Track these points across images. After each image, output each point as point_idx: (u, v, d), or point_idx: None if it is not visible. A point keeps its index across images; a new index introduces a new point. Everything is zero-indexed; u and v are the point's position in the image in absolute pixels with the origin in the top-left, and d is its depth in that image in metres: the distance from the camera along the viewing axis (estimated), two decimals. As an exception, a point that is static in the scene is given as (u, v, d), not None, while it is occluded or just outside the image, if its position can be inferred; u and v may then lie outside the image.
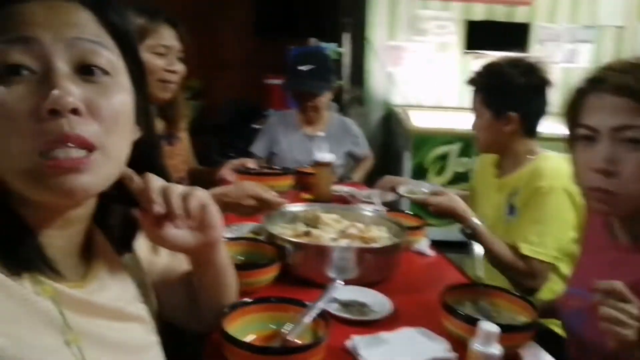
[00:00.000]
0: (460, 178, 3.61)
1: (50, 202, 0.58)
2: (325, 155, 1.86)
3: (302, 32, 4.68)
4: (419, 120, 3.82)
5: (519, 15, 4.24)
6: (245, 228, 1.48)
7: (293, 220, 1.45)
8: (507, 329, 0.95)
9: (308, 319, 0.92)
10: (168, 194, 0.70)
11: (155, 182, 0.70)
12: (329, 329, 0.90)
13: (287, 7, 5.42)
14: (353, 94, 4.10)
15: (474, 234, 1.52)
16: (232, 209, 1.42)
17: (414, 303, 1.18)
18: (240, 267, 1.10)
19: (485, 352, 0.84)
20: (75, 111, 0.54)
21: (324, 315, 0.94)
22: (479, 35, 4.20)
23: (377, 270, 1.25)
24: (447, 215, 1.57)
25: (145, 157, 0.70)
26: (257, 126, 3.30)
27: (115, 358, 0.64)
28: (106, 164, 0.59)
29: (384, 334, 1.01)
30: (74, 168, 0.55)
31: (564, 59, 4.32)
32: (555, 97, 4.38)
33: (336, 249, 1.22)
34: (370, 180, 2.51)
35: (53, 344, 0.56)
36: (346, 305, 1.11)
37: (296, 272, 1.22)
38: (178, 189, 0.72)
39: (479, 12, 4.22)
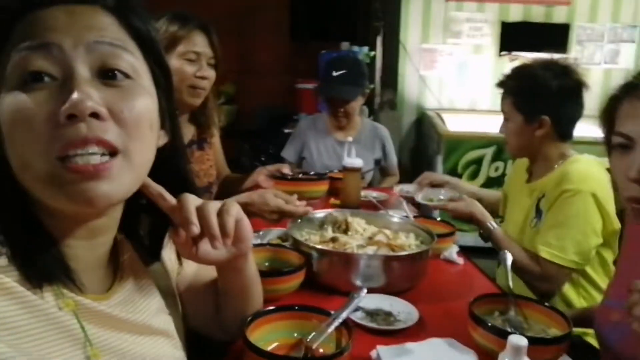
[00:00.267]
0: (493, 183, 3.54)
1: (71, 210, 0.58)
2: (354, 160, 1.84)
3: (335, 36, 4.69)
4: (452, 123, 3.77)
5: (558, 15, 4.13)
6: (271, 234, 1.48)
7: (321, 226, 1.44)
8: (538, 342, 0.92)
9: (332, 328, 0.91)
10: (205, 214, 0.68)
11: (191, 202, 0.68)
12: (353, 338, 0.89)
13: (321, 11, 5.44)
14: (385, 97, 4.08)
15: (489, 237, 1.58)
16: (257, 216, 1.44)
17: (442, 312, 1.16)
18: (265, 274, 1.10)
19: (514, 367, 0.81)
20: (95, 115, 0.54)
21: (348, 324, 0.92)
22: (514, 36, 4.11)
23: (404, 279, 1.23)
24: (466, 219, 1.63)
25: (170, 163, 0.69)
26: (288, 131, 3.31)
27: None
28: (128, 170, 0.58)
29: (410, 345, 0.99)
30: (94, 174, 0.54)
31: (605, 60, 4.18)
32: (595, 100, 4.25)
33: (362, 257, 1.20)
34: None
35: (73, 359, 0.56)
36: (371, 314, 1.10)
37: (321, 280, 1.21)
38: (213, 207, 0.70)
39: (515, 13, 4.13)
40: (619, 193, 1.07)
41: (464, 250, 1.55)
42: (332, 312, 0.96)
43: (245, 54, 5.39)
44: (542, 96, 1.59)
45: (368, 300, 1.11)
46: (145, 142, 0.60)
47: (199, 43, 1.64)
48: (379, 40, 4.11)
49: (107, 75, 0.57)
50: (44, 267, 0.56)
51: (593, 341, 1.48)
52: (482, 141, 3.56)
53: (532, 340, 0.83)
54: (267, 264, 1.25)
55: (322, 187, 1.90)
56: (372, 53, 4.22)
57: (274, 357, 0.84)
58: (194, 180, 0.77)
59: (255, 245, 1.33)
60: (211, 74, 1.68)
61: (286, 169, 1.85)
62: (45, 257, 0.57)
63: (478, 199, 2.02)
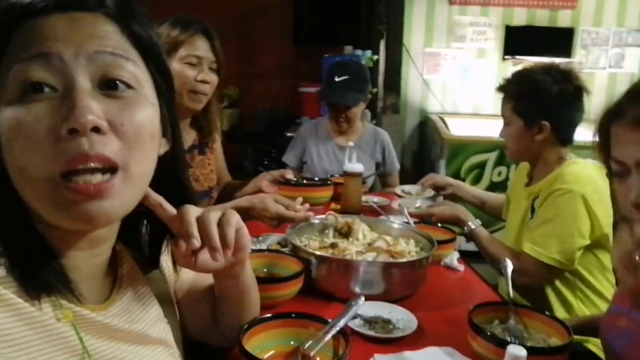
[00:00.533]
0: (496, 187, 3.52)
1: (72, 227, 0.57)
2: (354, 165, 1.84)
3: (339, 40, 4.69)
4: (455, 128, 3.75)
5: (562, 19, 4.11)
6: (271, 239, 1.47)
7: (321, 231, 1.43)
8: (538, 352, 0.91)
9: (329, 336, 0.91)
10: (205, 226, 0.68)
11: (192, 214, 0.67)
12: (351, 346, 0.88)
13: (325, 15, 5.44)
14: (388, 101, 4.07)
15: (471, 235, 1.65)
16: (257, 220, 1.43)
17: (441, 320, 1.14)
18: (263, 281, 1.09)
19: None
20: (96, 129, 0.53)
21: (345, 332, 0.92)
22: (519, 40, 4.10)
23: (403, 286, 1.22)
24: (451, 221, 1.69)
25: (170, 171, 0.69)
26: (291, 134, 3.31)
27: None
28: (129, 186, 0.57)
29: (408, 353, 0.98)
30: (95, 194, 0.53)
31: (610, 64, 4.16)
32: (600, 104, 4.22)
33: (361, 264, 1.19)
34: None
35: None
36: (370, 321, 1.08)
37: (320, 286, 1.21)
38: (213, 218, 0.69)
39: (520, 17, 4.12)
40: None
41: (465, 255, 1.54)
42: (330, 319, 0.95)
43: (248, 57, 5.41)
44: (542, 101, 1.59)
45: (367, 308, 1.10)
46: (146, 154, 0.59)
47: (201, 47, 1.63)
48: (382, 44, 4.11)
49: (108, 85, 0.56)
50: (42, 278, 0.56)
51: (594, 348, 1.47)
52: (485, 145, 3.55)
53: (532, 350, 0.82)
54: (265, 269, 1.24)
55: (326, 192, 1.90)
56: (376, 57, 4.21)
57: (270, 366, 0.84)
58: (192, 188, 0.76)
59: (254, 251, 1.32)
60: (213, 78, 1.67)
61: (290, 175, 1.85)
62: (43, 268, 0.56)
63: (482, 202, 2.02)
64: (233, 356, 0.92)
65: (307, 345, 0.89)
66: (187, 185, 0.74)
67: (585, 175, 1.55)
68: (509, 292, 1.16)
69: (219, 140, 1.94)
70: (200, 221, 0.68)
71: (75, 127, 0.51)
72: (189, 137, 1.79)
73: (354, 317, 1.06)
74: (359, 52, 4.29)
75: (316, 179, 2.07)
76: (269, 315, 0.95)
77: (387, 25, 4.06)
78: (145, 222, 0.73)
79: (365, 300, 1.09)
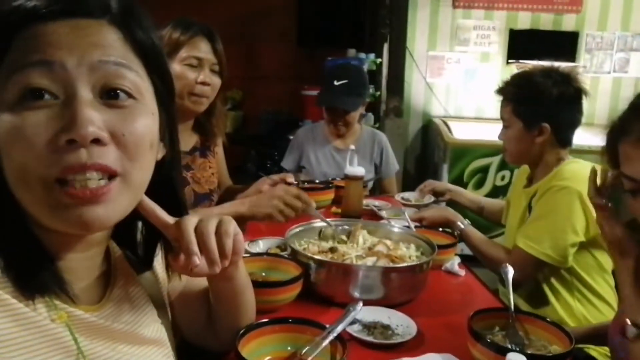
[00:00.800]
0: (499, 191, 3.50)
1: (66, 231, 0.57)
2: (356, 169, 1.83)
3: (342, 43, 4.68)
4: (458, 131, 3.74)
5: (567, 23, 4.10)
6: (270, 243, 1.46)
7: (321, 235, 1.42)
8: (538, 360, 0.90)
9: (326, 342, 0.90)
10: (204, 238, 0.67)
11: (191, 229, 0.67)
12: (349, 352, 0.87)
13: (328, 17, 5.44)
14: (391, 104, 4.06)
15: (460, 235, 1.67)
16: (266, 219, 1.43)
17: (441, 326, 1.13)
18: (261, 285, 1.09)
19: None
20: (97, 141, 0.53)
21: (343, 338, 0.91)
22: (523, 44, 4.08)
23: (403, 291, 1.21)
24: (442, 224, 1.70)
25: (165, 176, 0.68)
26: (292, 137, 3.30)
27: None
28: (125, 193, 0.57)
29: (407, 360, 0.97)
30: (91, 199, 0.53)
31: (615, 69, 4.14)
32: (604, 108, 4.22)
33: (361, 268, 1.18)
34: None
35: None
36: (369, 327, 1.07)
37: (319, 291, 1.20)
38: (211, 228, 0.69)
39: (524, 21, 4.10)
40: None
41: (467, 259, 1.53)
42: (328, 325, 0.94)
43: (251, 60, 5.41)
44: (542, 103, 1.59)
45: (366, 313, 1.09)
46: (145, 162, 0.59)
47: (201, 49, 1.62)
48: (386, 47, 4.10)
49: (109, 94, 0.56)
50: (37, 280, 0.56)
51: (595, 353, 1.46)
52: (489, 149, 3.53)
53: (532, 358, 0.81)
54: (264, 273, 1.24)
55: (327, 196, 1.89)
56: (379, 60, 4.21)
57: (266, 372, 0.83)
58: (184, 194, 0.75)
59: (253, 255, 1.31)
60: (214, 80, 1.66)
61: (290, 178, 1.84)
62: (38, 270, 0.56)
63: (480, 207, 2.02)
64: (230, 359, 0.91)
65: (304, 351, 0.88)
66: (181, 191, 0.74)
67: (582, 173, 1.54)
68: (509, 297, 1.14)
69: (221, 145, 1.93)
70: (199, 234, 0.67)
71: (75, 139, 0.52)
72: (191, 139, 1.78)
73: (353, 322, 1.05)
74: (362, 55, 4.28)
75: (317, 181, 2.06)
76: (265, 320, 0.94)
77: (391, 28, 4.05)
78: (139, 223, 0.73)
79: (365, 305, 1.09)
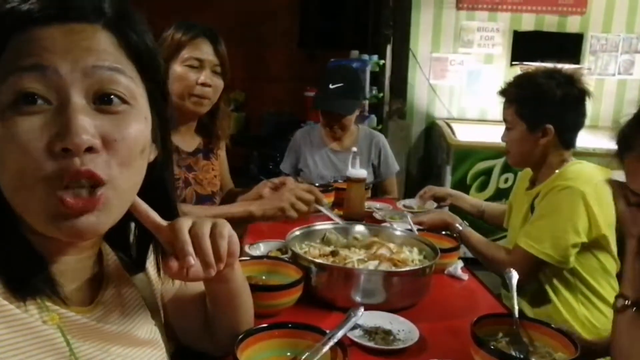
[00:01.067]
0: (503, 194, 3.48)
1: (60, 239, 0.57)
2: (358, 171, 1.81)
3: (345, 44, 4.67)
4: (462, 133, 3.72)
5: (571, 25, 4.08)
6: (270, 246, 1.45)
7: (322, 239, 1.41)
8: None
9: (326, 347, 0.88)
10: (199, 241, 0.66)
11: (186, 230, 0.66)
12: (349, 358, 0.86)
13: (331, 19, 5.44)
14: (394, 106, 4.04)
15: (459, 236, 1.65)
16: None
17: (444, 331, 1.11)
18: (261, 289, 1.07)
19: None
20: (89, 149, 0.53)
21: (343, 344, 0.89)
22: (527, 46, 4.07)
23: (405, 296, 1.19)
24: (441, 227, 1.70)
25: (157, 177, 0.68)
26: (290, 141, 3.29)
27: None
28: (116, 199, 0.57)
29: (408, 366, 0.95)
30: (84, 209, 0.54)
31: (620, 71, 4.12)
32: (608, 111, 4.19)
33: (362, 273, 1.17)
34: (409, 196, 2.44)
35: None
36: (370, 332, 1.06)
37: (320, 295, 1.18)
38: (206, 230, 0.68)
39: (528, 22, 4.08)
40: None
41: (469, 262, 1.52)
42: (328, 330, 0.92)
43: (254, 61, 5.41)
44: (546, 104, 1.59)
45: (367, 318, 1.07)
46: (136, 168, 0.59)
47: (203, 50, 1.62)
48: (389, 49, 4.09)
49: (102, 100, 0.55)
50: (28, 281, 0.56)
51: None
52: (492, 152, 3.51)
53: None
54: (264, 277, 1.22)
55: (328, 199, 1.87)
56: (382, 62, 4.19)
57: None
58: (176, 196, 0.74)
59: (253, 258, 1.30)
60: (216, 82, 1.65)
61: (291, 182, 1.82)
62: (30, 271, 0.56)
63: (481, 212, 2.01)
64: (228, 364, 0.90)
65: (304, 357, 0.87)
66: (172, 193, 0.73)
67: (586, 174, 1.56)
68: (513, 303, 1.13)
69: (224, 148, 1.92)
70: (194, 236, 0.66)
71: (69, 147, 0.51)
72: (194, 141, 1.77)
73: (354, 327, 1.03)
74: (365, 56, 4.27)
75: (317, 184, 2.05)
76: (264, 325, 0.92)
77: (394, 29, 4.03)
78: (132, 224, 0.73)
79: (366, 309, 1.07)
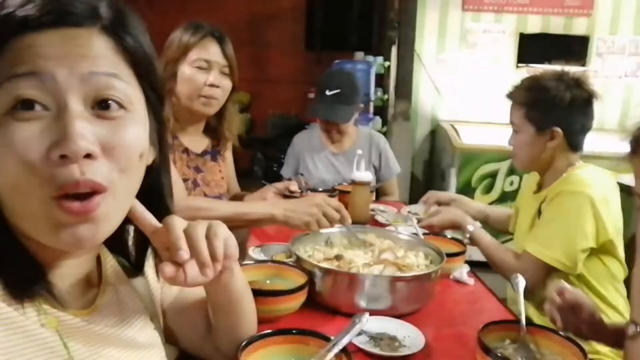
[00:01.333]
0: (508, 197, 3.47)
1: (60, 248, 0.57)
2: (362, 174, 1.80)
3: (350, 46, 4.66)
4: (467, 136, 3.70)
5: (577, 27, 4.05)
6: (275, 249, 1.44)
7: (327, 242, 1.40)
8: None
9: (331, 354, 0.87)
10: (193, 241, 0.65)
11: (179, 226, 0.65)
12: (354, 365, 0.84)
13: (337, 21, 5.43)
14: (399, 108, 4.02)
15: (470, 236, 1.65)
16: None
17: (450, 337, 1.10)
18: (264, 294, 1.06)
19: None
20: (88, 155, 0.52)
21: (348, 351, 0.88)
22: (533, 48, 4.04)
23: (411, 301, 1.18)
24: (451, 226, 1.69)
25: (155, 180, 0.67)
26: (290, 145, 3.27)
27: None
28: (116, 206, 0.57)
29: (414, 373, 0.94)
30: (83, 217, 0.54)
31: (626, 73, 4.09)
32: (615, 114, 4.16)
33: (367, 278, 1.15)
34: (414, 198, 2.42)
35: None
36: (375, 338, 1.04)
37: (324, 300, 1.17)
38: (201, 231, 0.67)
39: (534, 24, 4.06)
40: None
41: (475, 266, 1.50)
42: (333, 336, 0.91)
43: (259, 62, 5.41)
44: (555, 107, 1.57)
45: (372, 323, 1.06)
46: (134, 173, 0.59)
47: (211, 51, 1.62)
48: (394, 50, 4.07)
49: (100, 105, 0.55)
50: (26, 284, 0.55)
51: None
52: (497, 154, 3.49)
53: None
54: (268, 281, 1.21)
55: None
56: (387, 63, 4.18)
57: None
58: (172, 200, 0.73)
59: (258, 262, 1.29)
60: (224, 83, 1.65)
61: (294, 187, 1.82)
62: (27, 274, 0.56)
63: (485, 216, 2.00)
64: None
65: (308, 364, 0.85)
66: (169, 198, 0.72)
67: (594, 178, 1.55)
68: (519, 309, 1.11)
69: (231, 149, 1.91)
70: (188, 235, 0.65)
71: (67, 154, 0.51)
72: (203, 142, 1.78)
73: (359, 333, 1.02)
74: (370, 58, 4.25)
75: (320, 189, 2.03)
76: (269, 331, 0.91)
77: (399, 31, 4.02)
78: (130, 228, 0.72)
79: (371, 315, 1.05)
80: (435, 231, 1.67)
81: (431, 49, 4.12)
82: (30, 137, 0.52)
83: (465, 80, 4.14)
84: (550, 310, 1.13)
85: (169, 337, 0.84)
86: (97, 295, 0.66)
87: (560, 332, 1.03)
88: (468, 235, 1.67)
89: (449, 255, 1.36)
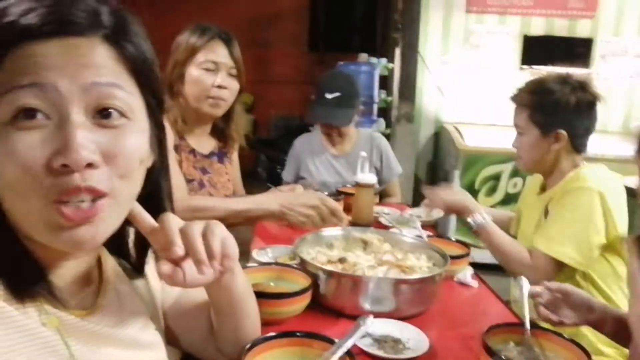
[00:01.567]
0: (511, 199, 3.46)
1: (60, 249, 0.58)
2: (366, 176, 1.80)
3: (354, 47, 4.66)
4: (470, 138, 3.70)
5: (581, 29, 4.05)
6: (279, 251, 1.44)
7: (330, 245, 1.40)
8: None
9: (335, 357, 0.87)
10: (189, 238, 0.65)
11: (174, 223, 0.66)
12: (358, 368, 0.85)
13: (340, 22, 5.43)
14: (402, 110, 4.03)
15: (478, 227, 1.63)
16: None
17: (454, 340, 1.10)
18: (268, 296, 1.06)
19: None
20: (89, 164, 0.53)
21: (352, 353, 0.88)
22: (536, 50, 4.04)
23: (415, 303, 1.18)
24: (458, 210, 1.69)
25: (154, 182, 0.67)
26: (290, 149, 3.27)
27: None
28: (116, 210, 0.58)
29: (418, 376, 0.94)
30: (84, 220, 0.54)
31: (630, 75, 4.08)
32: (619, 116, 4.16)
33: (371, 280, 1.15)
34: (417, 200, 2.42)
35: None
36: (379, 340, 1.04)
37: (328, 302, 1.17)
38: (197, 229, 0.67)
39: (538, 26, 4.06)
40: None
41: (479, 267, 1.50)
42: (337, 339, 0.91)
43: (263, 64, 5.41)
44: (560, 110, 1.58)
45: (376, 326, 1.06)
46: (135, 179, 0.60)
47: (218, 52, 1.63)
48: (398, 52, 4.07)
49: (101, 114, 0.56)
50: (28, 287, 0.56)
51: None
52: (501, 156, 3.49)
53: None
54: (272, 283, 1.21)
55: None
56: (391, 65, 4.18)
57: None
58: (170, 205, 0.73)
59: (262, 264, 1.29)
60: (232, 84, 1.66)
61: (299, 190, 1.82)
62: (28, 274, 0.57)
63: None
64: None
65: (312, 366, 0.86)
66: (167, 202, 0.72)
67: (602, 176, 1.56)
68: (523, 311, 1.11)
69: (237, 150, 1.92)
70: (183, 233, 0.65)
71: (68, 164, 0.52)
72: (210, 143, 1.78)
73: (363, 336, 1.02)
74: (374, 59, 4.26)
75: (326, 193, 2.04)
76: (273, 333, 0.91)
77: (403, 33, 4.02)
78: (130, 230, 0.72)
79: (375, 317, 1.06)
80: (441, 209, 1.68)
81: (435, 50, 4.12)
82: (32, 145, 0.52)
83: (468, 82, 4.14)
84: (543, 311, 1.13)
85: (170, 339, 0.84)
86: (97, 295, 0.67)
87: (565, 335, 1.03)
88: (472, 224, 1.65)
89: (453, 257, 1.35)
